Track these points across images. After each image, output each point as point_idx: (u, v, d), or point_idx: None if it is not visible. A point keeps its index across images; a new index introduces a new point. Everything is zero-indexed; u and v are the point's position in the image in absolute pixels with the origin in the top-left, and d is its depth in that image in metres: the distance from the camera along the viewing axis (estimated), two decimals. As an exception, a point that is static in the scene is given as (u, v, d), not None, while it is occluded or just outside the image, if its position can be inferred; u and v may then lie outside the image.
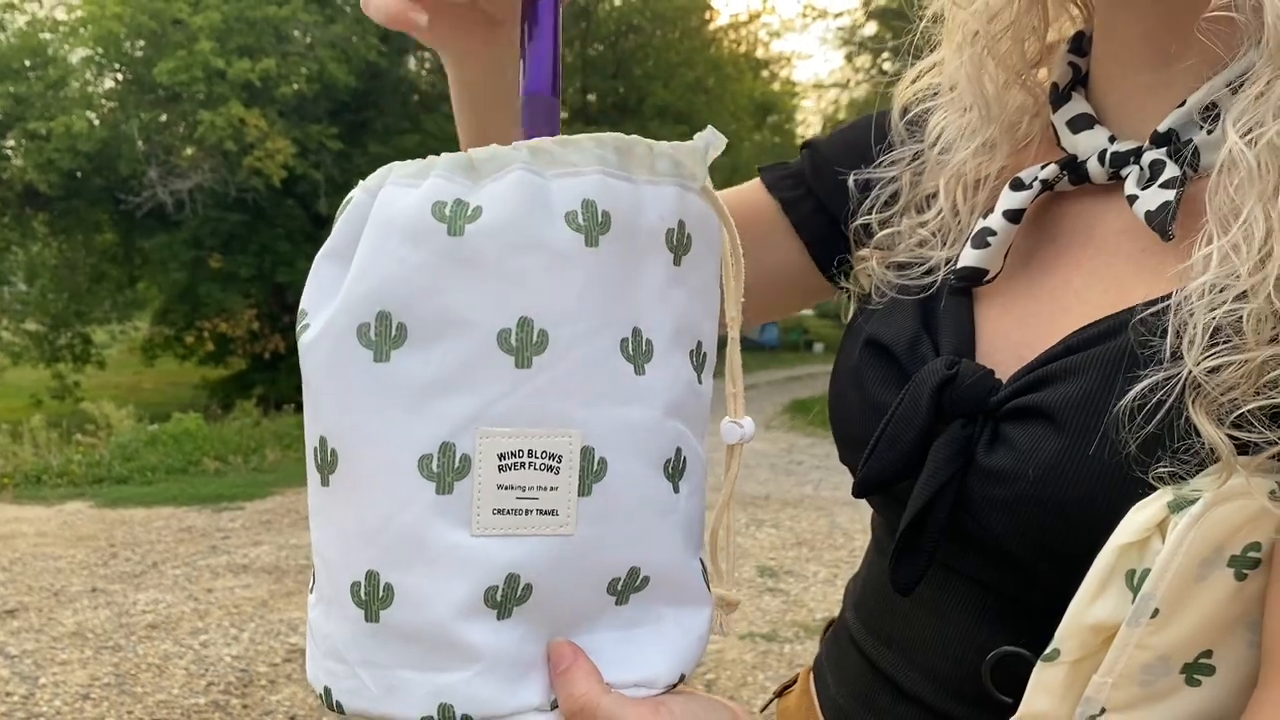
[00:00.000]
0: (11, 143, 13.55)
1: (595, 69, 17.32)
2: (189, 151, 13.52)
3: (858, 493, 0.69)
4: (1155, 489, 0.53)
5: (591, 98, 17.47)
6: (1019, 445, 0.60)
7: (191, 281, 14.28)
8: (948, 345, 0.69)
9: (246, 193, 13.16)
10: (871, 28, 16.81)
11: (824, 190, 0.84)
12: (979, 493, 0.61)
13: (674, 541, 0.56)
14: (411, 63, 15.71)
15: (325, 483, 0.53)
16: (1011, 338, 0.68)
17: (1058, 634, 0.55)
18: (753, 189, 0.87)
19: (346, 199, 0.54)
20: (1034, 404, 0.60)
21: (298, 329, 0.54)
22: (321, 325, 0.52)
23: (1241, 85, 0.59)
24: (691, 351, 0.57)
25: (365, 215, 0.52)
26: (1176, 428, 0.54)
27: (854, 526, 6.56)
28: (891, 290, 0.75)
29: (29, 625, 4.62)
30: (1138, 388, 0.55)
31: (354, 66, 13.64)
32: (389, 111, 14.64)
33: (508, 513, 0.51)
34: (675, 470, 0.56)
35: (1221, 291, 0.54)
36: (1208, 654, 0.55)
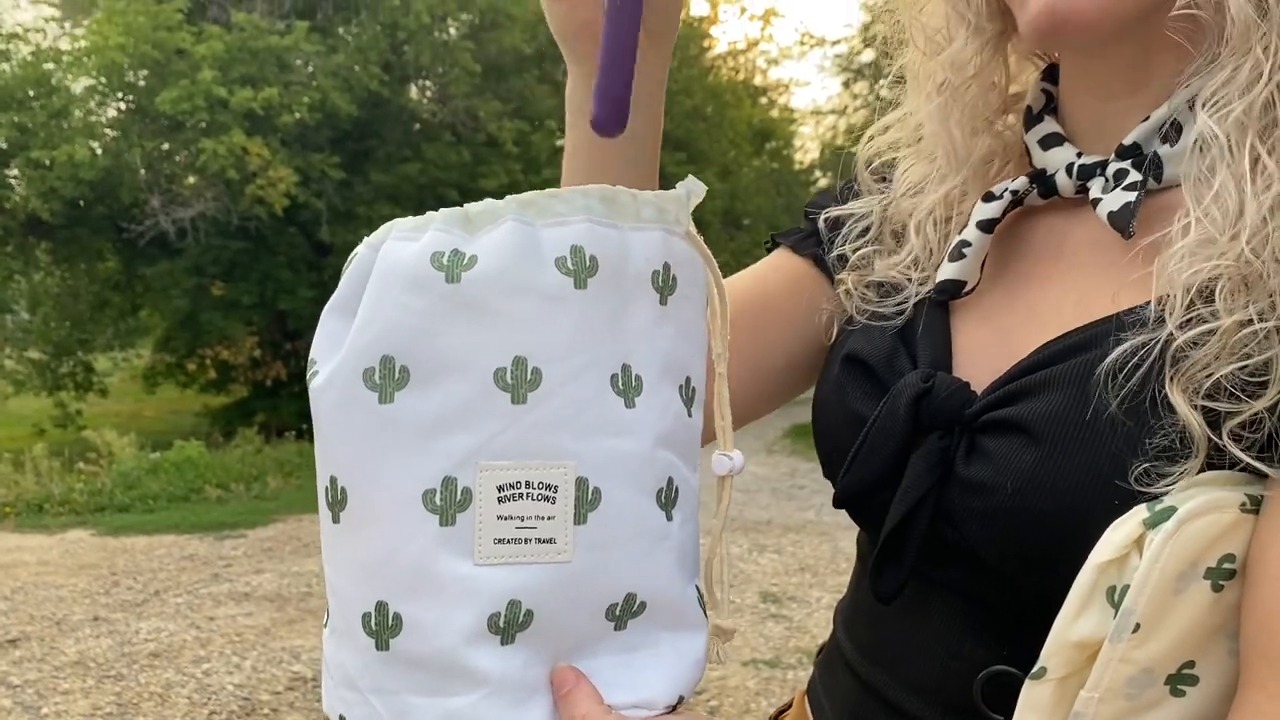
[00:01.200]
0: (15, 172, 13.60)
1: (595, 97, 17.41)
2: (191, 180, 13.58)
3: (837, 503, 0.71)
4: (1133, 496, 0.56)
5: (591, 125, 17.55)
6: (996, 458, 0.62)
7: (193, 309, 14.31)
8: (925, 358, 0.71)
9: (249, 221, 13.21)
10: (869, 55, 16.93)
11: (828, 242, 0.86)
12: (958, 504, 0.64)
13: (669, 568, 0.58)
14: (413, 91, 15.81)
15: (336, 520, 0.56)
16: (988, 350, 0.70)
17: (1044, 652, 0.57)
18: (779, 259, 0.88)
19: (351, 254, 0.58)
20: (1010, 417, 0.62)
21: (308, 377, 0.57)
22: (329, 372, 0.55)
23: (1209, 74, 0.61)
24: (681, 386, 0.60)
25: (369, 269, 0.56)
26: (1152, 407, 0.56)
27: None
28: (867, 314, 0.77)
29: (31, 654, 4.62)
30: (1121, 349, 0.57)
31: (356, 96, 13.72)
32: (391, 140, 14.71)
33: (508, 542, 0.54)
34: (668, 499, 0.58)
35: (1197, 257, 0.56)
36: (1190, 664, 0.57)
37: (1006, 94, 0.77)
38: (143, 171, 13.36)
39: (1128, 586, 0.54)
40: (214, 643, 4.80)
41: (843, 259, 0.82)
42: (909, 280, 0.76)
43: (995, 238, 0.72)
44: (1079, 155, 0.69)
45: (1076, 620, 0.56)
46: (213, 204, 13.09)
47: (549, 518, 0.54)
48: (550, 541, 0.54)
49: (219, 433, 12.57)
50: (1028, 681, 0.58)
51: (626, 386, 0.57)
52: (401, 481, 0.54)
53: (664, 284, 0.58)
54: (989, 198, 0.72)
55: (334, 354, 0.56)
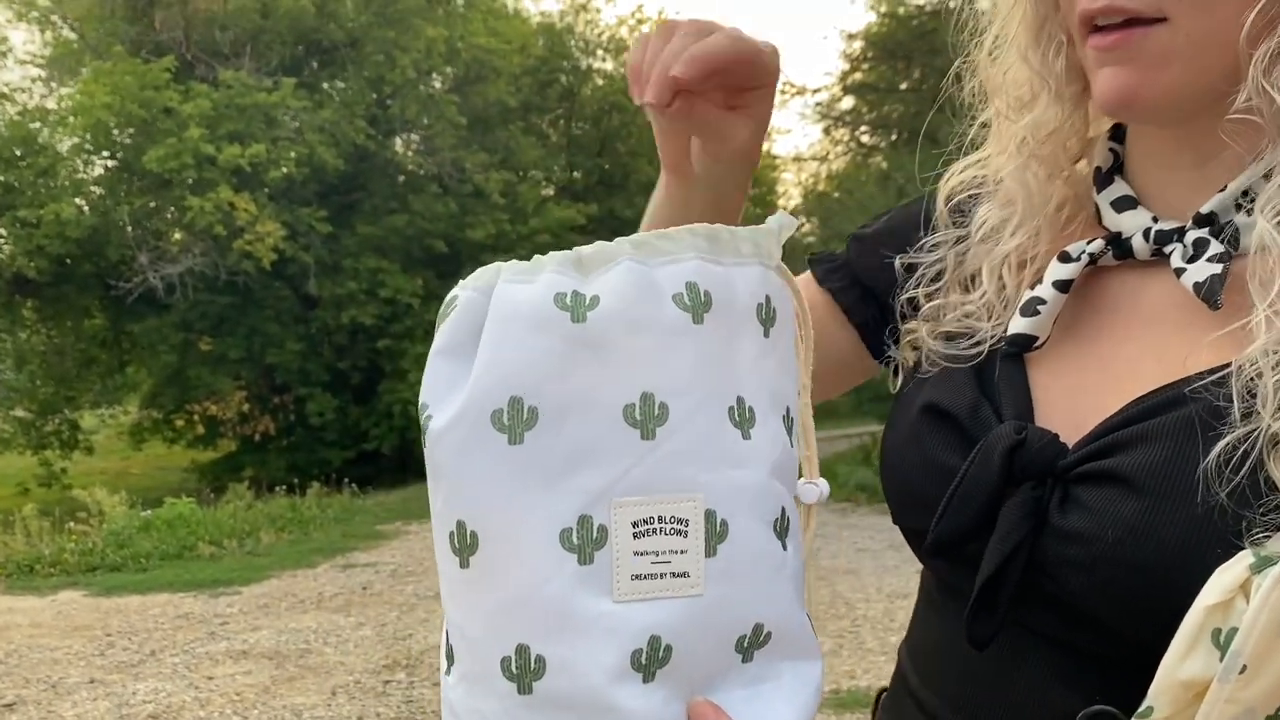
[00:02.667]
0: (2, 231, 13.60)
1: (580, 147, 17.59)
2: (179, 236, 13.61)
3: (930, 553, 0.72)
4: (1236, 547, 0.57)
5: (577, 175, 17.72)
6: (1094, 508, 0.64)
7: (181, 364, 14.29)
8: (1008, 411, 0.73)
9: (236, 275, 13.23)
10: (848, 102, 17.17)
11: (869, 276, 0.89)
12: (1054, 553, 0.65)
13: (788, 596, 0.59)
14: (399, 144, 15.93)
15: (465, 564, 0.56)
16: (1067, 403, 0.72)
17: (1151, 691, 0.59)
18: (803, 282, 0.91)
19: (450, 298, 0.58)
20: (1107, 469, 0.64)
21: (421, 420, 0.57)
22: (451, 415, 0.55)
23: (1270, 175, 0.65)
24: (784, 416, 0.61)
25: (481, 311, 0.56)
26: (1260, 484, 0.58)
27: (855, 596, 6.53)
28: (941, 360, 0.79)
29: (28, 719, 4.55)
30: (1221, 444, 0.59)
31: (342, 150, 13.83)
32: (377, 193, 14.80)
33: (645, 578, 0.54)
34: (782, 529, 0.59)
35: (1275, 355, 0.59)
36: None
37: (1084, 143, 0.80)
38: (130, 229, 13.39)
39: (1234, 629, 0.56)
40: (214, 702, 4.74)
41: (913, 302, 0.84)
42: (981, 325, 0.78)
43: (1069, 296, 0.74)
44: (1155, 220, 0.72)
45: (1184, 661, 0.58)
46: (200, 259, 13.12)
47: (682, 551, 0.55)
48: (684, 575, 0.55)
49: (208, 488, 12.49)
50: (1134, 719, 0.59)
51: (742, 418, 0.58)
52: (537, 522, 0.54)
53: (767, 316, 0.60)
54: (1065, 258, 0.75)
55: (452, 397, 0.56)
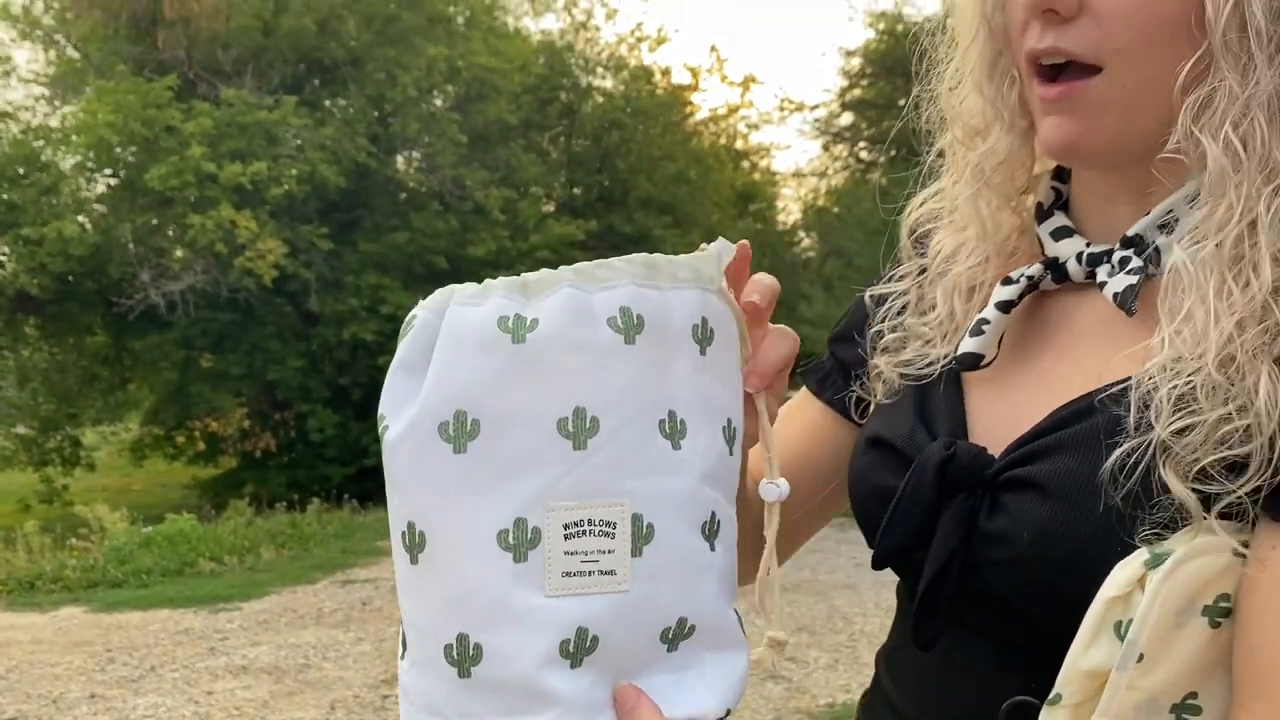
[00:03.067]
0: (5, 248, 13.68)
1: (580, 164, 17.69)
2: (180, 253, 13.68)
3: (876, 565, 0.78)
4: (1134, 546, 0.63)
5: (577, 191, 17.81)
6: (1014, 512, 0.69)
7: (182, 381, 14.33)
8: (943, 429, 0.79)
9: (238, 292, 13.29)
10: (847, 118, 17.27)
11: (857, 366, 0.92)
12: (984, 555, 0.71)
13: (713, 594, 0.65)
14: (400, 162, 16.02)
15: (414, 561, 0.62)
16: (1002, 417, 0.78)
17: (1059, 680, 0.64)
18: (803, 404, 0.96)
19: (410, 318, 0.64)
20: (1025, 476, 0.70)
21: (379, 430, 0.63)
22: (404, 426, 0.61)
23: (1190, 207, 0.71)
24: (724, 427, 0.66)
25: (434, 332, 0.62)
26: (1153, 488, 0.63)
27: (853, 610, 6.57)
28: (898, 383, 0.85)
29: (29, 733, 4.59)
30: (1117, 453, 0.65)
31: (344, 167, 13.90)
32: (378, 210, 14.87)
33: (574, 575, 0.60)
34: (711, 531, 0.65)
35: (1176, 370, 0.64)
36: (1193, 695, 0.63)
37: (1031, 174, 0.86)
38: (132, 246, 13.46)
39: (1132, 620, 0.61)
40: (213, 717, 4.77)
41: (879, 335, 0.90)
42: (932, 352, 0.84)
43: (1012, 317, 0.80)
44: (1088, 245, 0.78)
45: (1087, 651, 0.63)
46: (202, 277, 13.18)
47: (610, 551, 0.60)
48: (611, 573, 0.60)
49: (209, 505, 12.53)
50: (1045, 707, 0.65)
51: (673, 430, 0.63)
52: (477, 524, 0.60)
53: (703, 336, 0.65)
54: (1008, 281, 0.81)
55: (405, 409, 0.61)
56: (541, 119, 16.84)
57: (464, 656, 0.60)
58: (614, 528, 0.60)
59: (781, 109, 20.48)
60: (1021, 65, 0.76)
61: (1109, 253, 0.76)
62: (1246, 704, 0.62)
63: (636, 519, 0.61)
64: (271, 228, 13.22)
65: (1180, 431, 0.63)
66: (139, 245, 13.49)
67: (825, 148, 18.14)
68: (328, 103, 14.97)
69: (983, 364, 0.80)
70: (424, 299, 0.64)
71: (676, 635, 0.63)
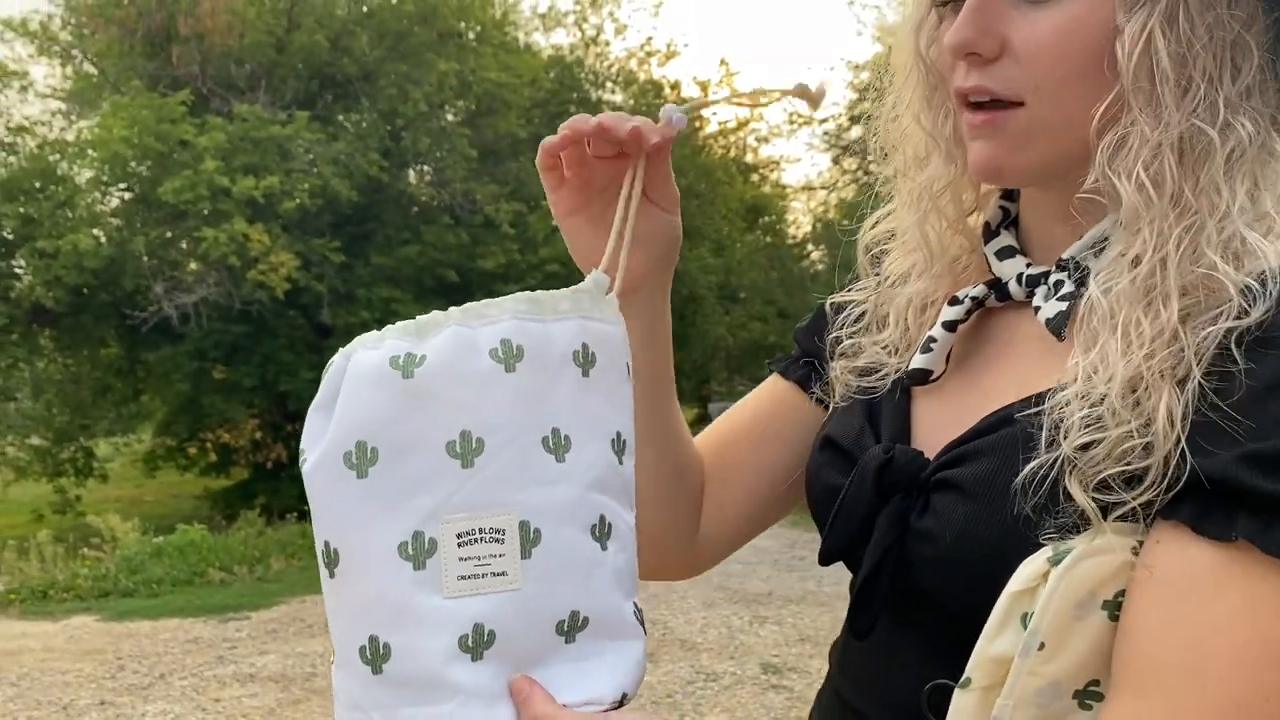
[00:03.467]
0: (21, 261, 13.81)
1: (590, 177, 17.72)
2: (194, 266, 13.79)
3: (822, 561, 0.84)
4: (1040, 546, 0.68)
5: (587, 205, 17.84)
6: (940, 512, 0.75)
7: (195, 392, 14.41)
8: (887, 434, 0.85)
9: (251, 305, 13.38)
10: (856, 131, 17.31)
11: (819, 352, 0.99)
12: (914, 552, 0.77)
13: (605, 588, 0.72)
14: (412, 176, 16.13)
15: (332, 575, 0.70)
16: (943, 425, 0.83)
17: (969, 666, 0.70)
18: (773, 384, 1.03)
19: (329, 363, 0.72)
20: (950, 478, 0.75)
21: (300, 463, 0.72)
22: (316, 458, 0.70)
23: (1105, 246, 0.76)
24: (611, 440, 0.74)
25: (343, 374, 0.70)
26: (1059, 496, 0.69)
27: (856, 621, 6.59)
28: (852, 393, 0.91)
29: (40, 739, 4.66)
30: (1029, 468, 0.70)
31: (356, 181, 14.00)
32: (390, 223, 14.97)
33: (469, 578, 0.67)
34: (602, 533, 0.72)
35: (1087, 395, 0.70)
36: (1095, 683, 0.69)
37: (978, 195, 0.91)
38: (146, 259, 13.57)
39: (1035, 611, 0.67)
40: (221, 724, 4.84)
41: (838, 340, 0.96)
42: (886, 362, 0.90)
43: (958, 335, 0.86)
44: (1028, 266, 0.83)
45: (994, 640, 0.68)
46: (215, 289, 13.29)
47: (500, 555, 0.68)
48: (503, 575, 0.68)
49: (220, 515, 12.61)
50: (956, 690, 0.70)
51: (557, 445, 0.70)
52: (380, 539, 0.67)
53: (585, 360, 0.73)
54: (954, 302, 0.86)
55: (318, 444, 0.69)
56: (551, 133, 16.71)
57: (375, 655, 0.68)
58: (503, 534, 0.68)
59: (791, 122, 20.47)
60: (952, 99, 0.82)
61: (1045, 275, 0.81)
62: (1116, 684, 0.67)
63: (524, 525, 0.68)
64: (284, 241, 13.32)
65: (1085, 447, 0.68)
66: (152, 258, 13.61)
67: (835, 161, 18.20)
68: (340, 117, 15.09)
69: (931, 379, 0.86)
70: (350, 343, 0.72)
71: (571, 627, 0.70)
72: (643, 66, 18.22)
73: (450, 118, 15.94)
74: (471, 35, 16.18)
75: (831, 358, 0.95)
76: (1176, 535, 0.66)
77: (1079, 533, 0.68)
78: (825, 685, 0.95)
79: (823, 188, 19.92)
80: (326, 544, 0.70)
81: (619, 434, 0.74)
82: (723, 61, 29.46)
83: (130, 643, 6.43)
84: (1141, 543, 0.67)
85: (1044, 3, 0.74)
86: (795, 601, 7.19)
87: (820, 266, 19.31)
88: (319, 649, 6.16)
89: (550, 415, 0.70)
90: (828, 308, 0.99)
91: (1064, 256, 0.80)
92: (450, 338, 0.69)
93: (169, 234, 14.02)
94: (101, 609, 7.43)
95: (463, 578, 0.67)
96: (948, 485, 0.76)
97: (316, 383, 0.72)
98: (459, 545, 0.67)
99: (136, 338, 14.39)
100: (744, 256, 18.48)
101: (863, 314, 0.96)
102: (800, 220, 22.17)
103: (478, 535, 0.68)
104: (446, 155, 14.98)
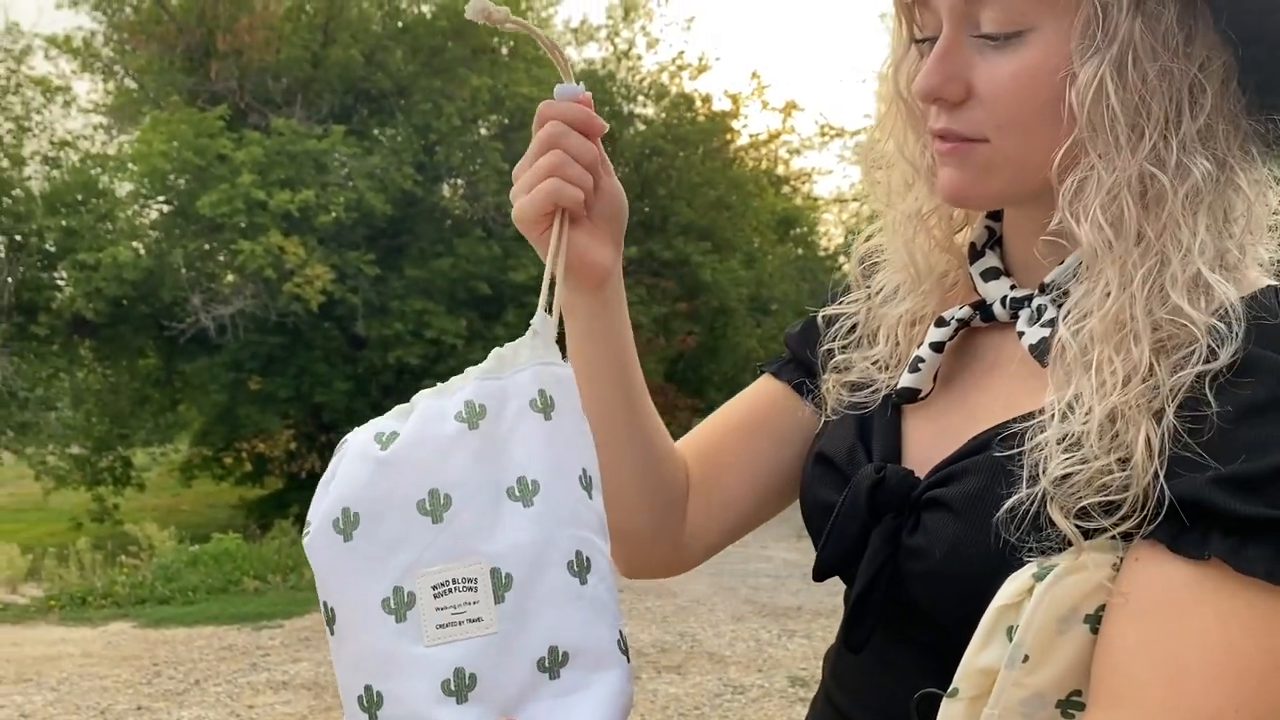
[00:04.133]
0: (64, 273, 14.06)
1: (621, 190, 17.79)
2: (231, 278, 13.98)
3: (816, 576, 0.88)
4: (1025, 563, 0.72)
5: (618, 217, 17.90)
6: (930, 529, 0.79)
7: (231, 403, 14.59)
8: (878, 453, 0.88)
9: (286, 317, 13.54)
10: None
11: (807, 362, 1.02)
12: (906, 569, 0.80)
13: (584, 620, 0.76)
14: (445, 190, 16.26)
15: (333, 632, 0.76)
16: (933, 444, 0.86)
17: (956, 677, 0.73)
18: (765, 383, 1.05)
19: (341, 442, 0.79)
20: (940, 497, 0.79)
21: (304, 534, 0.78)
22: (314, 526, 0.76)
23: (1074, 280, 0.78)
24: (579, 477, 0.78)
25: (342, 452, 0.77)
26: (1042, 524, 0.72)
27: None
28: (843, 407, 0.94)
29: (78, 743, 4.74)
30: (1009, 502, 0.73)
31: (390, 195, 14.14)
32: (424, 236, 15.11)
33: (447, 625, 0.73)
34: (581, 567, 0.76)
35: (1064, 433, 0.72)
36: (1078, 693, 0.72)
37: (966, 213, 0.93)
38: (184, 271, 13.79)
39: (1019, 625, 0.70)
40: (254, 731, 4.91)
41: (830, 353, 0.98)
42: (877, 378, 0.93)
43: (945, 355, 0.89)
44: (1012, 288, 0.86)
45: (981, 652, 0.72)
46: (251, 301, 13.47)
47: (475, 602, 0.72)
48: (479, 620, 0.72)
49: (255, 525, 12.74)
50: (945, 700, 0.74)
51: (524, 491, 0.75)
52: (366, 595, 0.73)
53: (544, 405, 0.78)
54: (941, 323, 0.89)
55: (317, 513, 0.76)
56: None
57: (371, 703, 0.74)
58: (475, 582, 0.73)
59: (822, 134, 20.49)
60: (926, 133, 0.86)
61: (1029, 298, 0.84)
62: (1094, 698, 0.70)
63: (495, 572, 0.73)
64: (319, 254, 13.48)
65: (1064, 478, 0.71)
66: (190, 270, 13.83)
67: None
68: (375, 132, 15.26)
69: (919, 398, 0.89)
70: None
71: (553, 663, 0.74)
72: (674, 80, 18.29)
73: (483, 132, 16.08)
74: (504, 50, 16.30)
75: (823, 370, 0.98)
76: (1153, 554, 0.69)
77: (1062, 550, 0.71)
78: (819, 692, 0.99)
79: (854, 200, 19.88)
80: (325, 604, 0.76)
81: (584, 470, 0.79)
82: (754, 74, 29.42)
83: (166, 649, 6.53)
84: (1122, 559, 0.71)
85: (1006, 48, 0.76)
86: (824, 615, 7.18)
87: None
88: (350, 658, 6.22)
89: (516, 464, 0.76)
90: (819, 320, 1.01)
91: (1045, 281, 0.82)
92: (422, 412, 0.77)
93: (206, 246, 14.24)
94: (138, 616, 7.54)
95: (441, 626, 0.72)
96: (937, 504, 0.79)
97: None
98: (435, 596, 0.73)
99: (174, 349, 14.60)
100: (775, 269, 18.47)
101: (854, 326, 0.98)
102: (832, 232, 22.12)
103: (451, 585, 0.73)
104: (479, 169, 15.12)
